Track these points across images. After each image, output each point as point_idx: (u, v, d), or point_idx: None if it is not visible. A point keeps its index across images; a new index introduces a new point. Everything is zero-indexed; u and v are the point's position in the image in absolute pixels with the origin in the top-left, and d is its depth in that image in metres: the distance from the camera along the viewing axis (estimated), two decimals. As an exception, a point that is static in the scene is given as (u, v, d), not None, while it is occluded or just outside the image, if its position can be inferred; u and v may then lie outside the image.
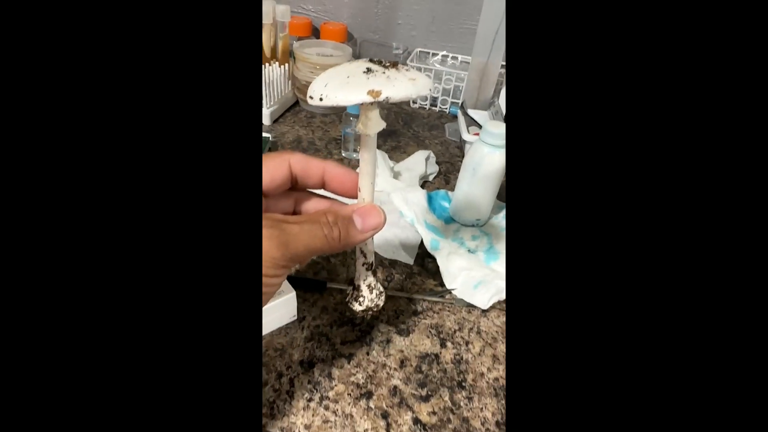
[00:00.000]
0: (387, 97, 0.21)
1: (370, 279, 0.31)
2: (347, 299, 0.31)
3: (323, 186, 0.28)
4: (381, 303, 0.31)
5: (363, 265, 0.30)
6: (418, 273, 0.44)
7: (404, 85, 0.22)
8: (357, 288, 0.31)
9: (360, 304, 0.30)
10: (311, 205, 0.29)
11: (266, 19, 0.69)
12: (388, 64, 0.23)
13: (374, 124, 0.25)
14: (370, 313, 0.31)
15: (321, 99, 0.22)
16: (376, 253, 0.45)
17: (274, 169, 0.26)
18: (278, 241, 0.21)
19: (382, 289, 0.31)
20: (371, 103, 0.21)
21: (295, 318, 0.37)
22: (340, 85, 0.21)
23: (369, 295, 0.30)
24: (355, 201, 0.27)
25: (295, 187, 0.28)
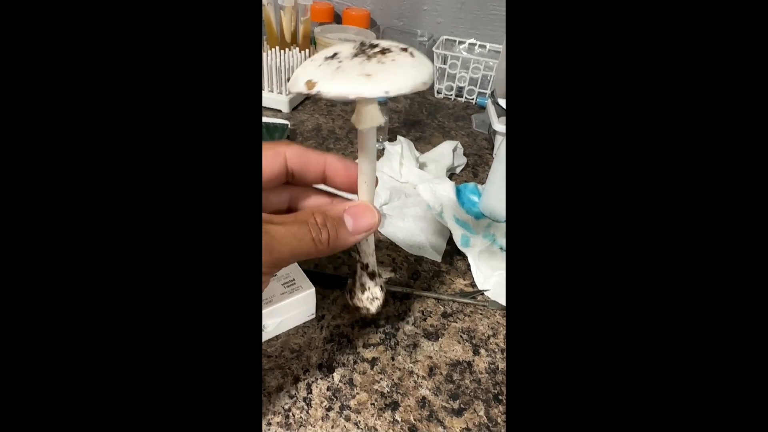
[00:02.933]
0: (318, 91, 0.17)
1: (366, 279, 0.28)
2: (347, 286, 0.30)
3: (324, 181, 0.25)
4: (373, 309, 0.29)
5: (357, 263, 0.28)
6: (446, 271, 0.40)
7: (350, 80, 0.17)
8: (353, 282, 0.29)
9: (351, 298, 0.29)
10: (309, 203, 0.26)
11: (288, 3, 0.66)
12: (379, 49, 0.19)
13: (366, 117, 0.21)
14: (363, 312, 0.30)
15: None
16: (400, 249, 0.42)
17: (265, 162, 0.23)
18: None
19: (378, 295, 0.29)
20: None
21: (314, 316, 0.34)
22: (312, 71, 0.18)
23: (360, 296, 0.29)
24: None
25: (293, 182, 0.25)
